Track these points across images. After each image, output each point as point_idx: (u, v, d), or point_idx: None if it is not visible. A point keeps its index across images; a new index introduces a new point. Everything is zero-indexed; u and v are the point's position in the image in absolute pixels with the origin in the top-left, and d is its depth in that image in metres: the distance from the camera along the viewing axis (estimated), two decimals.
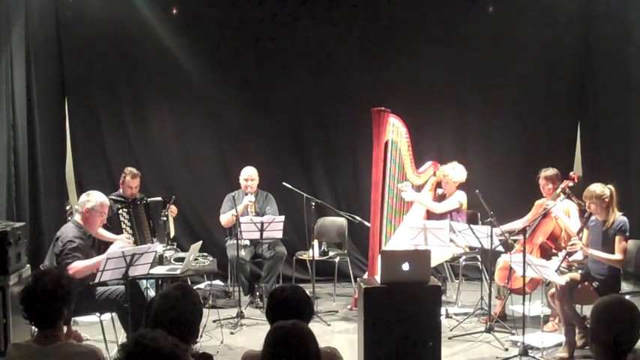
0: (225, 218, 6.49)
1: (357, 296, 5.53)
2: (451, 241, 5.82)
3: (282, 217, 6.09)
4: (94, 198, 4.94)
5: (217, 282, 6.93)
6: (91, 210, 4.89)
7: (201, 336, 5.06)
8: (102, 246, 5.69)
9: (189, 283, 5.79)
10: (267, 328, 2.44)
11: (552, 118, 7.58)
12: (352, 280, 6.88)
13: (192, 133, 7.39)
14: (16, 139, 6.20)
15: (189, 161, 7.40)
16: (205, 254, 5.57)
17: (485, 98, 7.46)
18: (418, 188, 6.43)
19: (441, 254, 5.90)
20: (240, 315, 5.80)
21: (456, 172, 6.26)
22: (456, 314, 6.01)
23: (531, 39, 7.36)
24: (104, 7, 7.00)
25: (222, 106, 7.37)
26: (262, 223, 5.93)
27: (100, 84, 7.19)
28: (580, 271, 5.19)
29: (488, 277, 5.90)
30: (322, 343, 2.48)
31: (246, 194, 6.48)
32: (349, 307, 6.33)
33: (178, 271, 5.05)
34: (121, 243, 5.02)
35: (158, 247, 5.26)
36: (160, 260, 5.24)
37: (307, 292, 2.97)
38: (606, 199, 4.98)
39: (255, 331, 5.55)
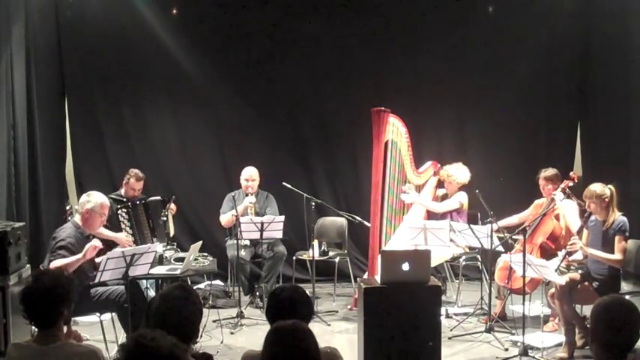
0: (226, 218, 6.49)
1: (357, 296, 5.52)
2: (451, 240, 5.82)
3: (282, 217, 6.09)
4: (94, 199, 4.93)
5: (217, 282, 6.93)
6: (90, 211, 4.88)
7: (201, 336, 5.06)
8: (102, 246, 5.70)
9: (189, 283, 5.79)
10: (267, 328, 2.44)
11: (552, 118, 7.58)
12: (352, 280, 6.88)
13: (192, 133, 7.39)
14: (16, 139, 6.20)
15: (189, 161, 7.40)
16: (205, 254, 5.58)
17: (486, 98, 7.46)
18: (418, 188, 6.43)
19: (441, 254, 5.90)
20: (240, 315, 5.80)
21: (460, 172, 6.27)
22: (456, 314, 6.01)
23: (531, 39, 7.36)
24: (104, 7, 7.00)
25: (222, 106, 7.37)
26: (262, 223, 5.93)
27: (100, 84, 7.19)
28: (580, 271, 5.19)
29: (488, 277, 5.90)
30: (322, 343, 2.48)
31: (247, 194, 6.48)
32: (349, 307, 6.34)
33: (178, 271, 5.06)
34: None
35: (158, 247, 5.26)
36: (160, 260, 5.24)
37: (307, 292, 2.98)
38: (606, 199, 4.98)
39: (255, 331, 5.55)
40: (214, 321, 5.72)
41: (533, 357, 4.89)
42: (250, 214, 6.38)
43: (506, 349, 5.12)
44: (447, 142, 7.42)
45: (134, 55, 7.17)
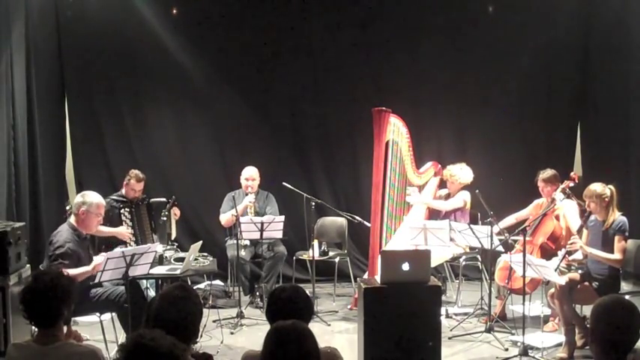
0: (225, 218, 6.49)
1: (357, 296, 5.52)
2: (451, 239, 5.82)
3: (282, 217, 6.09)
4: (89, 199, 4.82)
5: (217, 282, 6.93)
6: (86, 212, 4.78)
7: (201, 336, 5.06)
8: (102, 245, 5.70)
9: (189, 283, 5.79)
10: (267, 328, 2.44)
11: (552, 118, 7.58)
12: (352, 280, 6.88)
13: (192, 133, 7.39)
14: (16, 139, 6.21)
15: (189, 161, 7.40)
16: (205, 254, 5.57)
17: (486, 98, 7.46)
18: (419, 188, 6.43)
19: (441, 254, 5.90)
20: (240, 315, 5.80)
21: (463, 173, 6.28)
22: (456, 314, 6.01)
23: (531, 39, 7.37)
24: (104, 7, 7.00)
25: (223, 106, 7.37)
26: (262, 223, 5.93)
27: (100, 84, 7.18)
28: (580, 271, 5.19)
29: (488, 277, 5.90)
30: (322, 343, 2.49)
31: (247, 194, 6.48)
32: (349, 307, 6.34)
33: (178, 271, 5.05)
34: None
35: (158, 247, 5.26)
36: (160, 260, 5.24)
37: (307, 292, 2.97)
38: (606, 199, 4.98)
39: (255, 331, 5.55)
40: (214, 321, 5.71)
41: (533, 357, 4.89)
42: (250, 214, 6.38)
43: (506, 349, 5.12)
44: (447, 142, 7.42)
45: (134, 56, 7.17)
